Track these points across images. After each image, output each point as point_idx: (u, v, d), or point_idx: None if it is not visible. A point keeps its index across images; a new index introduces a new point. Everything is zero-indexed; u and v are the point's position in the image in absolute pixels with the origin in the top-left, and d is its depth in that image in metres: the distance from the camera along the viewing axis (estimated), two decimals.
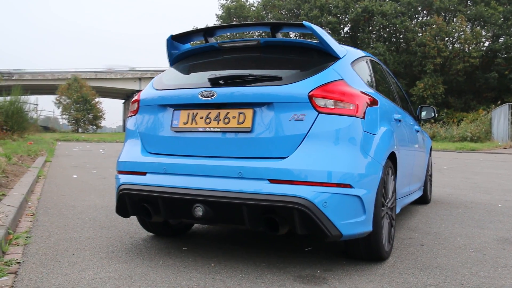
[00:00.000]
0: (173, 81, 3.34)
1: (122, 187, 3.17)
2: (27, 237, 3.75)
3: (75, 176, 8.39)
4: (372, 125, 2.94)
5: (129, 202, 3.16)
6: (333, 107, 2.74)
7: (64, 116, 55.32)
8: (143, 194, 3.05)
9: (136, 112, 3.36)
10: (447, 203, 5.84)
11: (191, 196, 2.86)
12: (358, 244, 2.98)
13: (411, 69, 39.39)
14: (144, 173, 3.11)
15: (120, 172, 3.27)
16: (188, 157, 2.99)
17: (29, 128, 20.25)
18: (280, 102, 2.79)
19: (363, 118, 2.82)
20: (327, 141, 2.72)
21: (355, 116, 2.77)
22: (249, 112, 2.85)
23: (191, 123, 3.02)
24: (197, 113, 3.02)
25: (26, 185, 6.40)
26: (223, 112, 2.93)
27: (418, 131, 4.91)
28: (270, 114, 2.81)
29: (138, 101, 3.35)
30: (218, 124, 2.93)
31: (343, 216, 2.68)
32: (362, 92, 2.95)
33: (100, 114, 56.06)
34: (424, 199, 5.60)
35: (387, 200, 3.18)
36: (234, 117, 2.89)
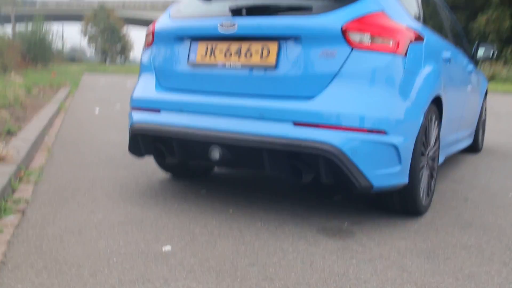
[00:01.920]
0: (191, 10, 3.19)
1: (135, 125, 3.13)
2: (39, 174, 3.82)
3: (97, 110, 8.49)
4: (415, 65, 2.74)
5: (142, 142, 3.13)
6: (369, 43, 2.55)
7: (91, 46, 55.94)
8: (156, 134, 3.00)
9: (151, 44, 3.25)
10: (500, 153, 5.60)
11: (207, 138, 2.78)
12: (392, 197, 2.88)
13: (472, 1, 37.31)
14: (158, 111, 3.05)
15: (134, 108, 3.22)
16: (206, 94, 2.90)
17: (54, 59, 20.57)
18: (309, 36, 2.61)
19: (405, 56, 2.62)
20: (361, 82, 2.55)
21: (395, 54, 2.58)
22: (273, 46, 2.70)
23: (210, 57, 2.90)
24: (216, 46, 2.89)
25: (44, 119, 6.52)
26: (245, 46, 2.79)
27: (472, 72, 4.62)
28: (297, 49, 2.64)
29: (152, 32, 3.23)
30: (239, 59, 2.80)
31: (375, 166, 2.56)
32: (406, 26, 2.73)
33: (129, 45, 56.37)
34: (474, 147, 5.38)
35: (428, 148, 3.02)
36: (257, 52, 2.75)
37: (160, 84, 3.14)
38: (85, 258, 2.28)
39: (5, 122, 5.51)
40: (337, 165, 2.48)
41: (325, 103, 2.55)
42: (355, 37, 2.54)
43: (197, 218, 2.88)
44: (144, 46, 3.34)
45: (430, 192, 3.12)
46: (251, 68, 2.76)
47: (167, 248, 2.43)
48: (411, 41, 2.69)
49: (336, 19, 2.58)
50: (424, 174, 2.98)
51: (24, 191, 3.36)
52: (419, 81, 2.75)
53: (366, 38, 2.55)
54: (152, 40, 3.23)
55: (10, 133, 5.07)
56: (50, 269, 2.14)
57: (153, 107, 3.07)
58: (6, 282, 2.02)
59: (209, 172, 4.01)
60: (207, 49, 2.91)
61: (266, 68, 2.71)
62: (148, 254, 2.34)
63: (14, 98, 7.13)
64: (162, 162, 3.70)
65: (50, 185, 3.54)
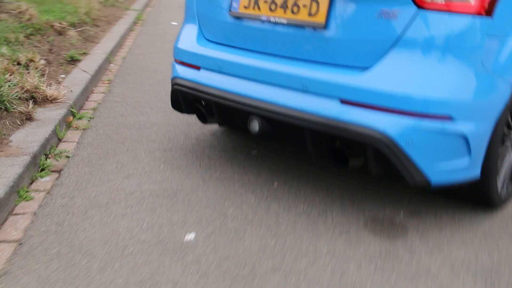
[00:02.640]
0: None
1: (175, 81, 3.02)
2: (90, 118, 3.90)
3: (174, 23, 8.43)
4: (505, 26, 2.29)
5: (182, 99, 3.03)
6: (442, 1, 2.16)
7: None
8: (195, 94, 2.88)
9: None
10: None
11: (246, 106, 2.62)
12: (461, 187, 2.58)
13: None
14: (198, 68, 2.90)
15: (176, 61, 3.10)
16: (247, 53, 2.69)
17: None
18: None
19: (490, 16, 2.19)
20: (428, 52, 2.19)
21: (477, 15, 2.16)
22: (324, 1, 2.39)
23: (253, 8, 2.65)
24: None
25: (115, 38, 6.61)
26: None
27: None
28: (351, 6, 2.31)
29: None
30: (285, 13, 2.53)
31: (435, 159, 2.26)
32: None
33: None
34: None
35: None
36: (305, 6, 2.45)
37: (203, 34, 2.97)
38: (102, 244, 2.31)
39: (71, 46, 5.64)
40: (387, 157, 2.23)
41: (379, 78, 2.24)
42: None
43: (236, 193, 2.80)
44: None
45: None
46: (298, 25, 2.49)
47: (191, 236, 2.39)
48: None
49: None
50: (507, 160, 2.62)
51: (70, 141, 3.47)
52: (509, 47, 2.33)
53: None
54: None
55: (73, 61, 5.20)
56: (62, 258, 2.20)
57: (193, 63, 2.93)
58: (13, 272, 2.11)
59: None
60: None
61: (314, 27, 2.43)
62: (167, 243, 2.33)
63: (86, 12, 7.23)
64: (204, 122, 3.60)
65: (96, 134, 3.61)
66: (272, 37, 2.60)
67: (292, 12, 2.49)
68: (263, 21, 2.62)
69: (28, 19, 5.74)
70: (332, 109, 2.33)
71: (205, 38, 2.95)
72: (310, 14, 2.43)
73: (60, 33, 5.96)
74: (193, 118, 3.94)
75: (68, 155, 3.23)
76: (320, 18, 2.40)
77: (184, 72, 2.98)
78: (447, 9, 2.17)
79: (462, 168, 2.32)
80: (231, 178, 2.98)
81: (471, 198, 2.62)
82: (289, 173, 3.05)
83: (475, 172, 2.37)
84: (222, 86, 2.73)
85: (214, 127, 3.79)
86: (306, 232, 2.44)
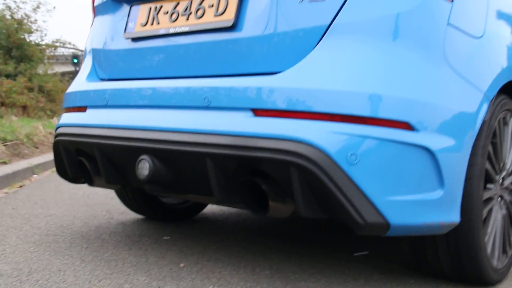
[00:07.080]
0: None
1: (57, 132, 2.33)
2: None
3: None
4: (471, 19, 1.73)
5: (65, 156, 2.30)
6: None
7: None
8: (78, 141, 2.17)
9: (92, 20, 2.51)
10: None
11: (132, 141, 1.91)
12: (435, 249, 1.78)
13: None
14: (84, 109, 2.22)
15: (63, 111, 2.43)
16: (140, 81, 2.05)
17: None
18: None
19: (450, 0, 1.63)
20: (369, 39, 1.58)
21: None
22: None
23: (152, 24, 2.06)
24: (161, 7, 2.05)
25: (51, 157, 5.97)
26: (196, 0, 1.93)
27: None
28: None
29: (93, 1, 2.49)
30: (187, 20, 1.93)
31: (394, 188, 1.51)
32: None
33: None
34: None
35: (503, 173, 1.92)
36: (211, 6, 1.87)
37: (96, 72, 2.35)
38: None
39: None
40: (321, 183, 1.48)
41: (302, 76, 1.59)
42: None
43: (121, 273, 1.98)
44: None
45: (510, 246, 1.98)
46: (202, 32, 1.88)
47: None
48: None
49: None
50: (496, 216, 1.87)
51: None
52: (479, 49, 1.74)
53: None
54: (94, 11, 2.49)
55: None
56: None
57: (80, 104, 2.26)
58: None
59: (198, 211, 3.08)
60: (149, 12, 2.09)
61: (221, 30, 1.82)
62: None
63: (27, 135, 6.65)
64: (124, 198, 2.84)
65: None
66: (171, 55, 1.99)
67: (196, 16, 1.91)
68: (161, 37, 2.01)
69: None
70: (241, 123, 1.63)
71: (98, 77, 2.32)
72: (216, 14, 1.84)
73: None
74: (104, 211, 3.15)
75: None
76: (228, 16, 1.81)
77: (68, 119, 2.31)
78: None
79: (434, 204, 1.56)
80: (122, 259, 2.14)
81: (450, 269, 1.79)
82: (206, 255, 2.22)
83: (452, 213, 1.61)
84: (106, 123, 2.05)
85: (127, 217, 2.99)
86: None
